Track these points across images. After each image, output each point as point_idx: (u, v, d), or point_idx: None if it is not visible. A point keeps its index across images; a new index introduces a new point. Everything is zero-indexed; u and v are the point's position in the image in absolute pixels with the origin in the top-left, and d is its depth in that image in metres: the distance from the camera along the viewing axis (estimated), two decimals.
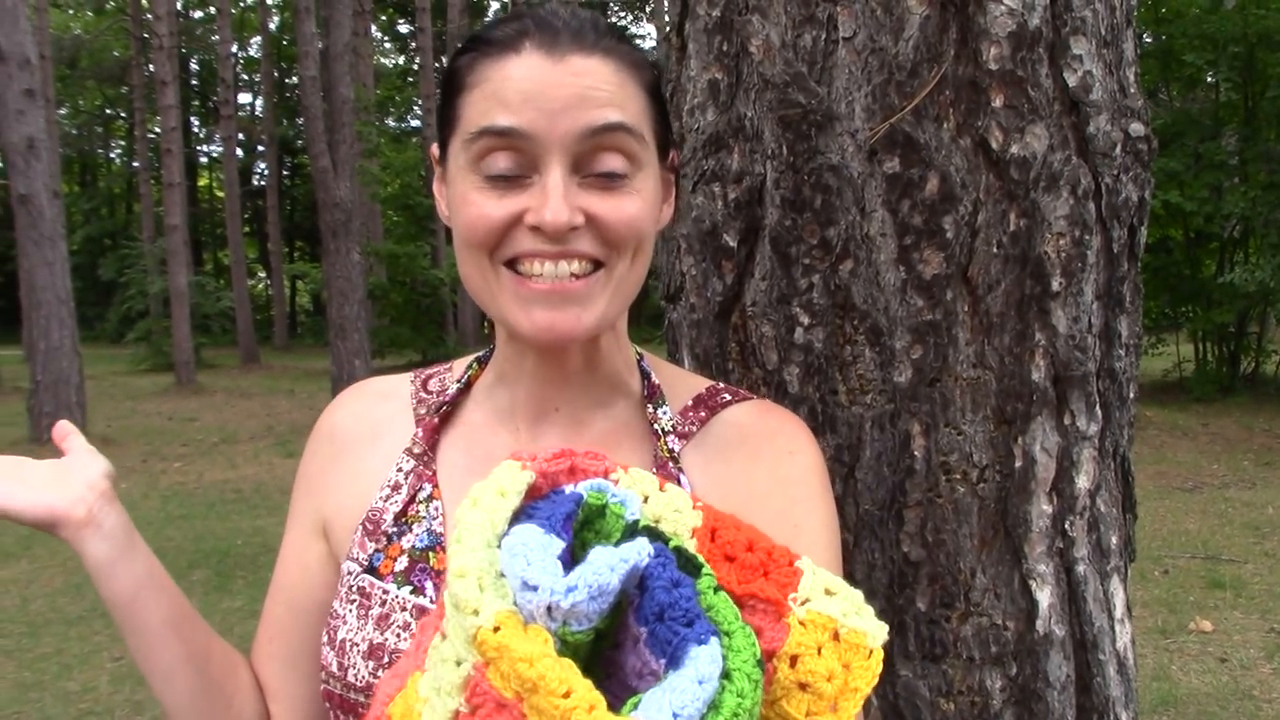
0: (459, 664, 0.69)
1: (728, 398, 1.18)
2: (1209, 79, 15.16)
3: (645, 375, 1.18)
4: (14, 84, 11.96)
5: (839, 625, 0.80)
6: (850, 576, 1.33)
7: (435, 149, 1.11)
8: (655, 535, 0.82)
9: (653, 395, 1.16)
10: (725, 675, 0.69)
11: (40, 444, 11.94)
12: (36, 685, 5.07)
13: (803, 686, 0.78)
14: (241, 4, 37.95)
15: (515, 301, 1.01)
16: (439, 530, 1.08)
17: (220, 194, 37.23)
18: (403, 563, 1.07)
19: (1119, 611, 1.42)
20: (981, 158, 1.30)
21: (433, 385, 1.23)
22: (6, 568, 7.23)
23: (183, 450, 12.25)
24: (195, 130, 43.23)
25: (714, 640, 0.71)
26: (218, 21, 28.34)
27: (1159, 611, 5.91)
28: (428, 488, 1.11)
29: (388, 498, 1.12)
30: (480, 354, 1.23)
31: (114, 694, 4.96)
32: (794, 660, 0.78)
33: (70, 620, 6.06)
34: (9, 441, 12.27)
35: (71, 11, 37.90)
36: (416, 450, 1.14)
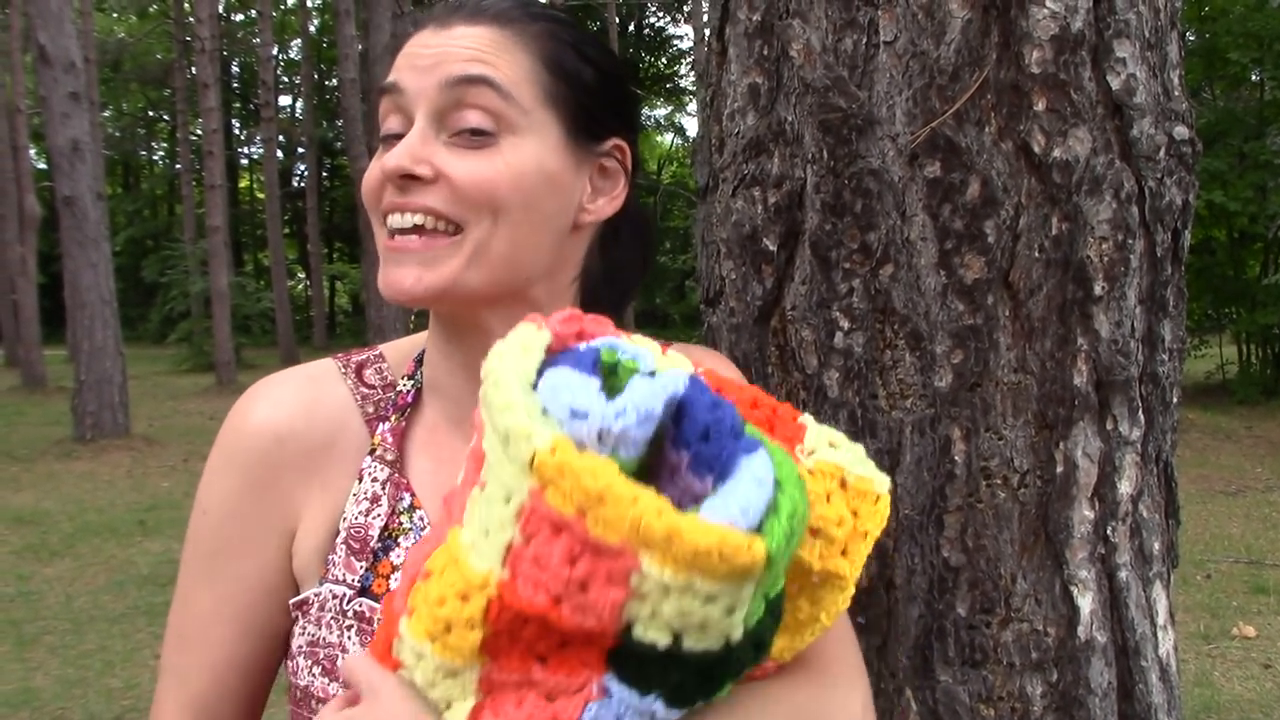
0: (508, 500, 0.68)
1: None
2: (1254, 77, 14.97)
3: None
4: (59, 87, 12.13)
5: (845, 473, 0.82)
6: (890, 582, 1.33)
7: None
8: None
9: None
10: (776, 484, 0.70)
11: (84, 443, 12.11)
12: (80, 682, 5.14)
13: (814, 532, 0.79)
14: (282, 7, 38.29)
15: (381, 262, 1.01)
16: None
17: (260, 195, 37.55)
18: (398, 580, 0.99)
19: (1161, 618, 1.41)
20: (1023, 162, 1.29)
21: (370, 378, 1.12)
22: (51, 565, 7.34)
23: None
24: (236, 132, 43.57)
25: (761, 450, 0.71)
26: (259, 24, 28.59)
27: (1201, 616, 5.84)
28: (407, 498, 1.04)
29: (368, 511, 1.03)
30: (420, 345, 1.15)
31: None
32: None
33: (113, 618, 6.14)
34: (53, 440, 12.46)
35: (115, 15, 38.36)
36: (389, 457, 1.05)
